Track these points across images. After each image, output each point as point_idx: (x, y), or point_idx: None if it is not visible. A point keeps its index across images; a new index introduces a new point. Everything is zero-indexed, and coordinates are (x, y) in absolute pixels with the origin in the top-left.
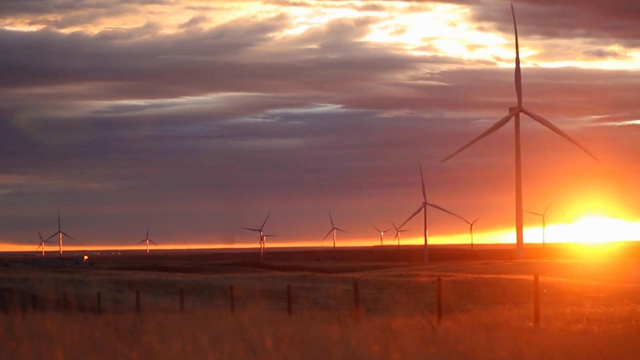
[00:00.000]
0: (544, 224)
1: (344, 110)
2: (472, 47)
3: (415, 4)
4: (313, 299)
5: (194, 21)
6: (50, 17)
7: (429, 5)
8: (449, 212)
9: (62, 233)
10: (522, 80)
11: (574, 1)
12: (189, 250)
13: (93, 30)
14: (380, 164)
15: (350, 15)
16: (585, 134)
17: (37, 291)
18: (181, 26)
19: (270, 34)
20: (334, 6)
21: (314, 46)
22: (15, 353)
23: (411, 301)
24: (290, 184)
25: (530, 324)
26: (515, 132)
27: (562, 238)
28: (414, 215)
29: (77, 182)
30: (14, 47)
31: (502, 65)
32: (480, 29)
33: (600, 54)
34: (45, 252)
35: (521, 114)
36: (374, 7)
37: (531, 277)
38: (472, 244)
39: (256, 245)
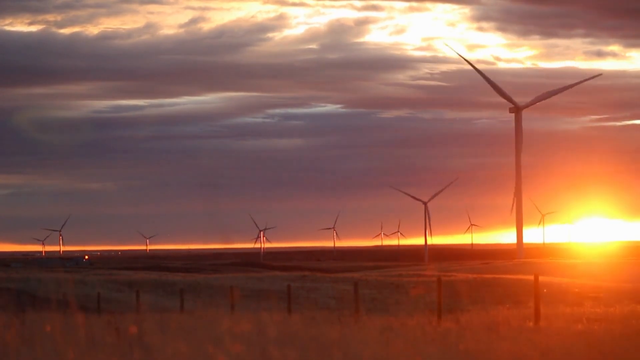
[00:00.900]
0: (544, 224)
1: (343, 110)
2: (471, 47)
3: (414, 4)
4: (313, 299)
5: (193, 21)
6: (50, 17)
7: (428, 5)
8: (409, 194)
9: (62, 233)
10: (522, 80)
11: (573, 1)
12: (189, 250)
13: (93, 30)
14: (380, 164)
15: (349, 15)
16: (585, 134)
17: (37, 291)
18: (181, 26)
19: (270, 34)
20: (333, 6)
21: (314, 46)
22: (15, 353)
23: (411, 301)
24: (290, 184)
25: (531, 323)
26: (516, 132)
27: (562, 238)
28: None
29: (77, 182)
30: (14, 47)
31: (501, 65)
32: (480, 29)
33: (599, 54)
34: (45, 252)
35: (523, 112)
36: (373, 7)
37: (531, 277)
38: (472, 244)
39: (256, 245)
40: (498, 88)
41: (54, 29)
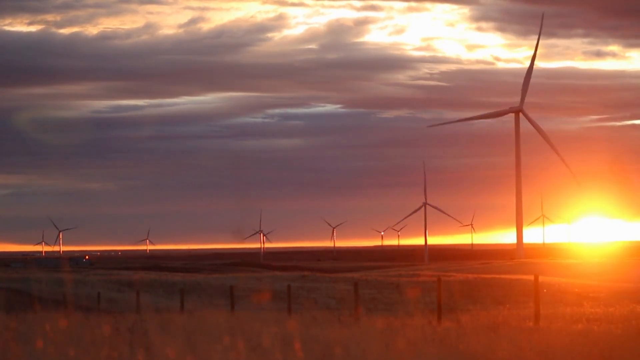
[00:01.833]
0: (544, 224)
1: (343, 110)
2: (471, 47)
3: (413, 4)
4: (313, 299)
5: (192, 21)
6: (49, 17)
7: (428, 5)
8: (446, 214)
9: (63, 232)
10: (521, 80)
11: (573, 1)
12: (189, 250)
13: (92, 30)
14: (380, 164)
15: (349, 15)
16: (584, 134)
17: (37, 291)
18: (180, 26)
19: (269, 34)
20: (332, 6)
21: (313, 46)
22: (15, 353)
23: (411, 301)
24: (289, 184)
25: (530, 324)
26: (516, 132)
27: (562, 238)
28: (412, 213)
29: (77, 182)
30: (13, 47)
31: (501, 65)
32: (479, 29)
33: (599, 54)
34: (45, 252)
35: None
36: (373, 8)
37: (531, 277)
38: (472, 244)
39: (256, 245)
40: (490, 114)
41: (53, 29)
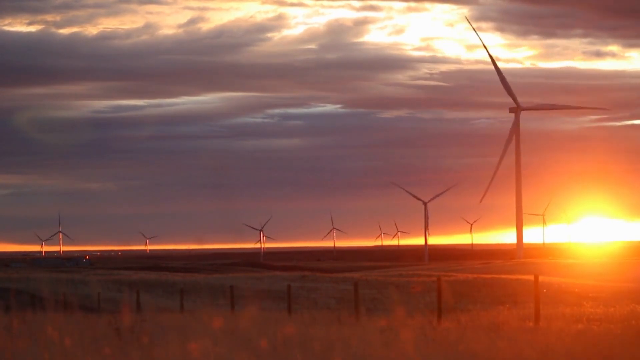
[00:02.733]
0: (544, 224)
1: (343, 110)
2: (470, 48)
3: (412, 4)
4: (313, 299)
5: (192, 21)
6: (49, 18)
7: (427, 5)
8: (410, 193)
9: (62, 233)
10: (521, 80)
11: (572, 1)
12: (189, 250)
13: (92, 30)
14: (380, 164)
15: (348, 15)
16: (584, 134)
17: (37, 291)
18: (180, 26)
19: (269, 34)
20: (331, 6)
21: (313, 46)
22: (15, 353)
23: (411, 301)
24: (289, 184)
25: (530, 324)
26: (516, 132)
27: (562, 238)
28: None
29: (77, 182)
30: (13, 48)
31: (500, 65)
32: (478, 29)
33: (598, 54)
34: (45, 252)
35: (522, 113)
36: (372, 8)
37: (531, 277)
38: (472, 244)
39: (256, 245)
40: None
41: (53, 29)
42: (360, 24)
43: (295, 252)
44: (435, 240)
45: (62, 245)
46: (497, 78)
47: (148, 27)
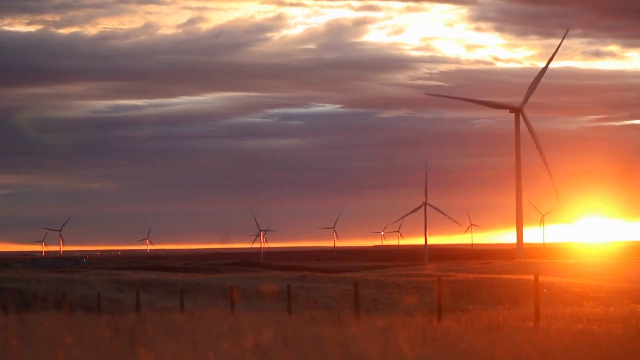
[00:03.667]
0: (544, 224)
1: (342, 110)
2: (470, 48)
3: (412, 4)
4: (313, 299)
5: (191, 21)
6: (48, 18)
7: (426, 5)
8: (446, 215)
9: (61, 233)
10: (521, 80)
11: (571, 2)
12: (189, 250)
13: (91, 30)
14: (379, 164)
15: (347, 15)
16: (584, 134)
17: (37, 291)
18: (179, 26)
19: (268, 34)
20: (331, 6)
21: (312, 46)
22: (15, 353)
23: (411, 301)
24: (289, 184)
25: (530, 323)
26: (516, 132)
27: (562, 238)
28: (411, 212)
29: (77, 182)
30: (13, 48)
31: (500, 65)
32: (478, 29)
33: (598, 54)
34: (45, 252)
35: (523, 111)
36: (371, 8)
37: (531, 277)
38: (472, 244)
39: (256, 245)
40: (489, 102)
41: (52, 29)
42: (360, 24)
43: (295, 252)
44: (435, 240)
45: (62, 245)
46: (496, 78)
47: (147, 27)
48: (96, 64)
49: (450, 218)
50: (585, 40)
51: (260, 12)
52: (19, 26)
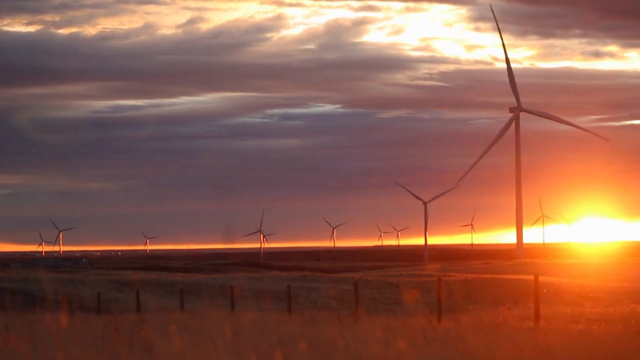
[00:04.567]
0: (544, 224)
1: (342, 110)
2: (470, 48)
3: (411, 4)
4: (313, 299)
5: (191, 21)
6: (48, 18)
7: (425, 5)
8: (410, 192)
9: (62, 233)
10: (520, 80)
11: (570, 2)
12: (189, 250)
13: (91, 30)
14: (379, 164)
15: (347, 15)
16: (584, 134)
17: (37, 291)
18: (178, 26)
19: (268, 34)
20: (330, 7)
21: (312, 46)
22: (15, 353)
23: (411, 301)
24: (289, 184)
25: (530, 324)
26: (515, 132)
27: (562, 238)
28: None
29: (77, 182)
30: (12, 48)
31: (499, 65)
32: (477, 29)
33: (597, 55)
34: (45, 252)
35: (522, 114)
36: (370, 8)
37: (531, 277)
38: (472, 244)
39: (256, 245)
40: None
41: (52, 30)
42: (359, 24)
43: (295, 252)
44: (435, 240)
45: (62, 245)
46: (496, 78)
47: (147, 27)
48: (96, 64)
49: (413, 194)
50: (584, 40)
51: (259, 13)
52: (19, 26)
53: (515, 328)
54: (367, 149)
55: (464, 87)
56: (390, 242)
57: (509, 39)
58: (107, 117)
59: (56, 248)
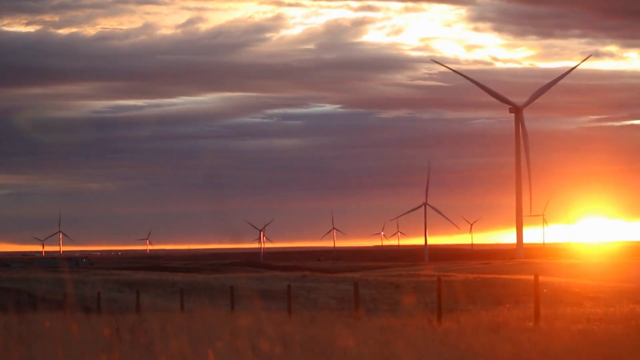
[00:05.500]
0: (544, 224)
1: (342, 110)
2: (469, 48)
3: (410, 4)
4: (313, 299)
5: (190, 22)
6: (47, 18)
7: (425, 5)
8: (445, 217)
9: (62, 233)
10: (520, 81)
11: (569, 2)
12: (189, 250)
13: (90, 30)
14: (379, 164)
15: (346, 15)
16: (583, 134)
17: (37, 291)
18: (178, 27)
19: (267, 35)
20: (329, 7)
21: (311, 46)
22: (15, 353)
23: (411, 301)
24: (289, 184)
25: (531, 324)
26: (516, 132)
27: (562, 238)
28: (410, 212)
29: (77, 182)
30: (12, 48)
31: (499, 65)
32: (476, 29)
33: (597, 55)
34: (45, 252)
35: (523, 112)
36: (370, 8)
37: (531, 277)
38: (472, 244)
39: (256, 245)
40: (493, 92)
41: (51, 30)
42: (359, 24)
43: (295, 252)
44: (435, 240)
45: (62, 245)
46: (496, 78)
47: (146, 27)
48: (95, 64)
49: (448, 220)
50: (584, 40)
51: (259, 13)
52: (18, 26)
53: (515, 328)
54: (367, 149)
55: (464, 87)
56: (390, 242)
57: (508, 39)
58: (107, 117)
59: (56, 248)
